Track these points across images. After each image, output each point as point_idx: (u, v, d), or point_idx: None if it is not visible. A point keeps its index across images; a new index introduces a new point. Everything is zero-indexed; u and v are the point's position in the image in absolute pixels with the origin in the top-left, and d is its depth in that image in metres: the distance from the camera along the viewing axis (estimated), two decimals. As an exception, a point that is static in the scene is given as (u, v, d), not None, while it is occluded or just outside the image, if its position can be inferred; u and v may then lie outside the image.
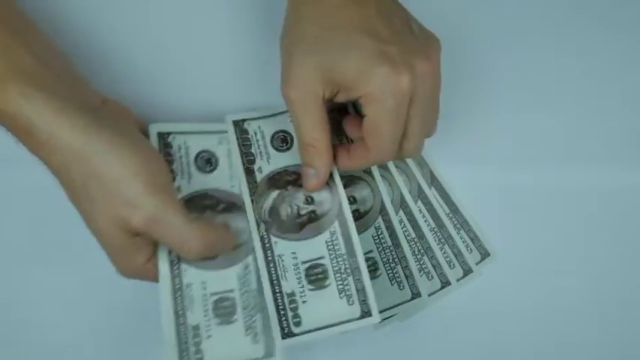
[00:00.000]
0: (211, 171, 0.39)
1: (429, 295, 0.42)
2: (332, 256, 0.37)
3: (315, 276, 0.37)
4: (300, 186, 0.39)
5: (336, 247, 0.38)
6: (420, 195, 0.44)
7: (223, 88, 0.43)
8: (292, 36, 0.35)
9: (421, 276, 0.42)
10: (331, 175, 0.39)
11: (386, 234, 0.42)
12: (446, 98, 0.44)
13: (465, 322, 0.43)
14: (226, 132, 0.40)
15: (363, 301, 0.36)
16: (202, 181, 0.38)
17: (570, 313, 0.43)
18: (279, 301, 0.36)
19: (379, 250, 0.42)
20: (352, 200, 0.41)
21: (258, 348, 0.35)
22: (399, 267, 0.42)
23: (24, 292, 0.42)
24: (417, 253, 0.42)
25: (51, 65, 0.33)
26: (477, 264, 0.43)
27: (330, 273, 0.37)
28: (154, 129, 0.38)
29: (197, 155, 0.39)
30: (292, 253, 0.37)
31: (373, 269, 0.40)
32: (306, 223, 0.38)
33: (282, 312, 0.36)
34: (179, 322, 0.35)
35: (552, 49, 0.46)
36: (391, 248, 0.42)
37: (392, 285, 0.42)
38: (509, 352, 0.42)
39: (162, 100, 0.42)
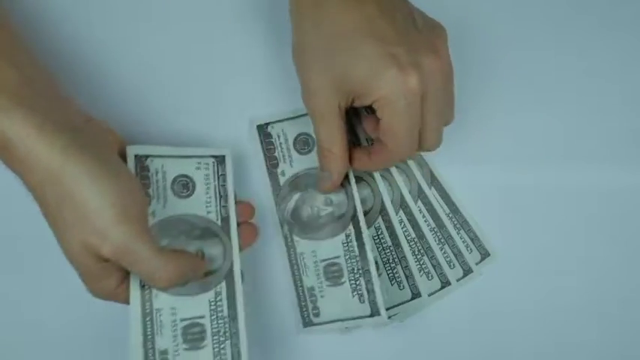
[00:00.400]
0: (188, 196, 0.38)
1: (429, 295, 0.42)
2: (347, 256, 0.40)
3: (332, 273, 0.40)
4: None
5: (351, 247, 0.40)
6: (420, 195, 0.44)
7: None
8: (301, 51, 0.36)
9: (421, 276, 0.42)
10: (348, 179, 0.41)
11: (386, 234, 0.42)
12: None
13: (465, 322, 0.43)
14: (205, 156, 0.39)
15: (373, 301, 0.39)
16: (178, 206, 0.38)
17: (570, 313, 0.43)
18: (301, 294, 0.40)
19: (379, 250, 0.42)
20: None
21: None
22: (399, 267, 0.42)
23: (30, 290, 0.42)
24: (417, 253, 0.43)
25: (35, 82, 0.33)
26: (477, 264, 0.43)
27: (345, 272, 0.40)
28: (132, 151, 0.37)
29: (174, 179, 0.38)
30: (312, 251, 0.40)
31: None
32: (326, 224, 0.41)
33: (303, 304, 0.40)
34: (147, 347, 0.35)
35: (552, 48, 0.46)
36: (391, 248, 0.42)
37: (392, 285, 0.42)
38: (509, 352, 0.42)
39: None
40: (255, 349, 0.40)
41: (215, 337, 0.36)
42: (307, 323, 0.40)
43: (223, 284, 0.37)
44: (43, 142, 0.31)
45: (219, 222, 0.38)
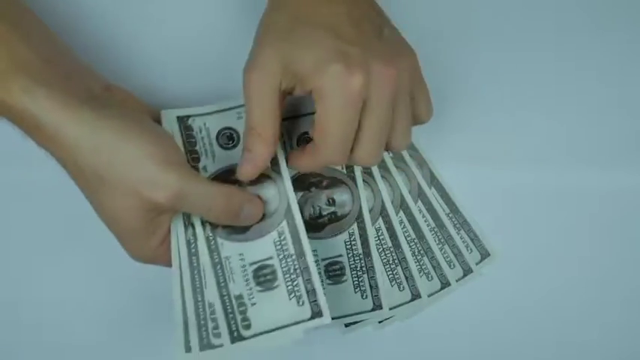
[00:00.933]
0: (234, 146, 0.39)
1: (429, 296, 0.42)
2: (349, 255, 0.40)
3: (334, 272, 0.40)
4: (325, 188, 0.41)
5: (354, 247, 0.40)
6: (420, 195, 0.44)
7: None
8: (265, 24, 0.36)
9: (421, 277, 0.42)
10: (355, 181, 0.41)
11: (386, 235, 0.42)
12: (446, 98, 0.45)
13: (465, 322, 0.43)
14: (243, 106, 0.38)
15: (376, 296, 0.39)
16: (226, 158, 0.39)
17: (570, 313, 0.43)
18: (308, 291, 0.38)
19: (380, 251, 0.42)
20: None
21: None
22: (399, 268, 0.42)
23: (32, 289, 0.42)
24: (416, 254, 0.42)
25: (53, 59, 0.34)
26: (477, 264, 0.43)
27: (347, 269, 0.40)
28: (172, 114, 0.39)
29: (218, 133, 0.39)
30: (313, 251, 0.39)
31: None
32: (327, 224, 0.40)
33: (312, 302, 0.37)
34: (222, 294, 0.36)
35: (553, 49, 0.46)
36: (391, 249, 0.42)
37: (392, 286, 0.42)
38: (510, 352, 0.43)
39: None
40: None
41: (287, 276, 0.36)
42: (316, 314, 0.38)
43: (284, 223, 0.37)
44: (71, 118, 0.32)
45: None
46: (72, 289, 0.42)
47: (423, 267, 0.42)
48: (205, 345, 0.35)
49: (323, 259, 0.40)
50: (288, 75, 0.34)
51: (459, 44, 0.45)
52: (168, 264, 0.36)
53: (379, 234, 0.42)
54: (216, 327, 0.36)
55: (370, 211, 0.42)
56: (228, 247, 0.37)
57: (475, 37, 0.45)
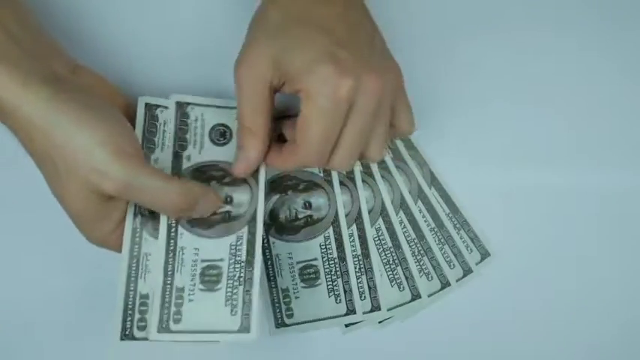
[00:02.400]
0: (224, 144, 0.40)
1: (429, 296, 0.42)
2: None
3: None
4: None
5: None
6: (420, 195, 0.44)
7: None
8: (258, 20, 0.35)
9: (421, 277, 0.42)
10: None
11: (386, 235, 0.42)
12: (446, 97, 0.45)
13: (465, 322, 0.43)
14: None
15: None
16: (213, 153, 0.39)
17: (570, 313, 0.43)
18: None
19: (380, 251, 0.42)
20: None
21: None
22: (399, 268, 0.42)
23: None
24: (417, 254, 0.43)
25: (17, 35, 0.33)
26: (477, 264, 0.43)
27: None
28: (174, 99, 0.39)
29: (212, 127, 0.40)
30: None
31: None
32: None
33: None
34: (166, 282, 0.36)
35: (554, 48, 0.46)
36: (391, 250, 0.42)
37: (392, 286, 0.42)
38: (510, 352, 0.43)
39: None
40: (239, 349, 0.41)
41: (230, 282, 0.36)
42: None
43: (245, 229, 0.37)
44: (28, 97, 0.31)
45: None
46: (28, 270, 0.42)
47: (423, 267, 0.42)
48: (127, 335, 0.36)
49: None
50: (278, 73, 0.34)
51: (461, 43, 0.45)
52: (119, 250, 0.36)
53: (379, 234, 0.42)
54: (141, 320, 0.36)
55: (370, 211, 0.42)
56: (187, 239, 0.37)
57: (476, 36, 0.45)
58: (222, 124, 0.40)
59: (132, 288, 0.36)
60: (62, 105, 0.32)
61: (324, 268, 0.40)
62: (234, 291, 0.36)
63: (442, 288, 0.42)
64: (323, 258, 0.40)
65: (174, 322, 0.36)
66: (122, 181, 0.32)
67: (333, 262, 0.41)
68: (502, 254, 0.43)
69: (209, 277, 0.36)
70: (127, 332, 0.36)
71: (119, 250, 0.36)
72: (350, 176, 0.43)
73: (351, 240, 0.42)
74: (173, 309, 0.36)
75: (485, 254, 0.43)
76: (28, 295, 0.41)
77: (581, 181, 0.44)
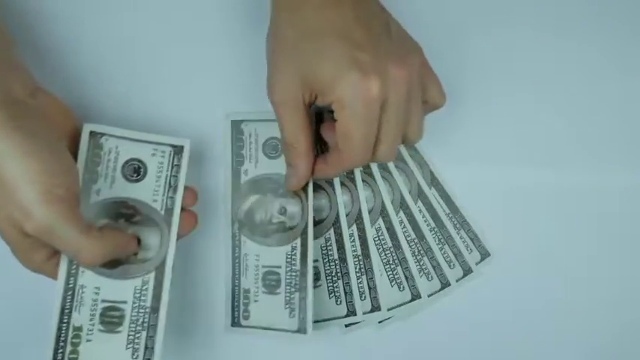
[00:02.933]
0: (137, 180, 0.38)
1: (429, 296, 0.42)
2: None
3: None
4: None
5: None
6: (420, 195, 0.44)
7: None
8: (274, 41, 0.36)
9: (421, 277, 0.42)
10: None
11: (386, 235, 0.42)
12: (446, 97, 0.45)
13: (465, 322, 0.43)
14: (163, 144, 0.39)
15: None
16: (125, 189, 0.38)
17: (570, 313, 0.43)
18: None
19: (380, 251, 0.42)
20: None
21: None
22: (399, 268, 0.42)
23: None
24: (417, 254, 0.43)
25: None
26: (476, 264, 0.43)
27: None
28: (88, 128, 0.37)
29: (126, 162, 0.38)
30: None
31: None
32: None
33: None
34: (62, 320, 0.35)
35: (554, 48, 0.46)
36: (391, 250, 0.42)
37: (392, 286, 0.42)
38: (509, 352, 0.43)
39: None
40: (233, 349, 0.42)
41: (132, 325, 0.36)
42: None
43: (152, 275, 0.37)
44: None
45: (162, 212, 0.38)
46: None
47: (423, 267, 0.42)
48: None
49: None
50: (308, 88, 0.35)
51: (461, 43, 0.45)
52: (56, 278, 0.36)
53: (379, 234, 0.42)
54: (73, 352, 0.35)
55: (370, 211, 0.42)
56: (88, 277, 0.36)
57: (476, 36, 0.45)
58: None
59: (65, 320, 0.35)
60: (11, 130, 0.31)
61: (286, 279, 0.40)
62: (137, 336, 0.36)
63: (442, 288, 0.42)
64: (286, 268, 0.40)
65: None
66: (44, 225, 0.32)
67: (333, 263, 0.41)
68: (502, 254, 0.43)
69: (109, 319, 0.36)
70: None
71: (55, 276, 0.36)
72: (350, 176, 0.43)
73: (351, 240, 0.42)
74: (69, 348, 0.35)
75: (485, 254, 0.43)
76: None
77: (581, 181, 0.44)
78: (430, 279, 0.42)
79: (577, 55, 0.46)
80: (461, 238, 0.43)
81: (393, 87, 0.34)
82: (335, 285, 0.41)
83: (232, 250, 0.41)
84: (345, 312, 0.41)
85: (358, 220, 0.42)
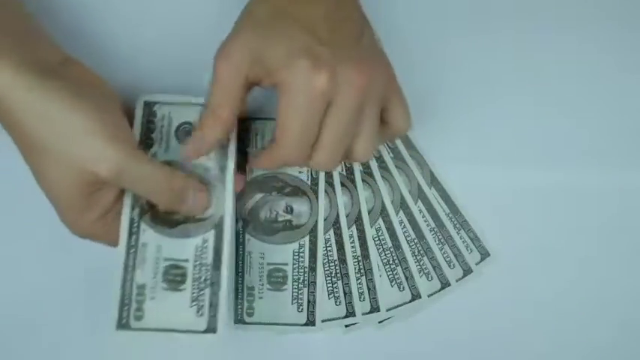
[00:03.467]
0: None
1: (429, 296, 0.42)
2: (295, 265, 0.41)
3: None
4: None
5: (301, 258, 0.41)
6: (420, 195, 0.44)
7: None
8: (245, 14, 0.36)
9: (421, 277, 0.42)
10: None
11: (386, 235, 0.42)
12: (446, 97, 0.45)
13: (465, 322, 0.43)
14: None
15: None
16: (180, 152, 0.38)
17: (570, 313, 0.43)
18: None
19: (380, 251, 0.42)
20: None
21: (201, 321, 0.36)
22: (399, 268, 0.42)
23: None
24: (417, 254, 0.43)
25: (6, 23, 0.34)
26: (477, 264, 0.43)
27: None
28: (142, 98, 0.39)
29: (179, 126, 0.39)
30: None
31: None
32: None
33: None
34: (126, 278, 0.36)
35: (554, 48, 0.46)
36: (391, 250, 0.42)
37: (392, 286, 0.42)
38: (510, 352, 0.43)
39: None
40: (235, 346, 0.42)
41: (195, 283, 0.36)
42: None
43: (212, 233, 0.37)
44: (19, 82, 0.31)
45: (308, 181, 0.41)
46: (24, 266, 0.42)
47: (423, 267, 0.43)
48: (123, 325, 0.36)
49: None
50: (256, 66, 0.34)
51: (461, 43, 0.45)
52: (105, 241, 0.36)
53: (379, 234, 0.42)
54: (138, 309, 0.36)
55: (370, 211, 0.42)
56: (150, 235, 0.37)
57: (476, 36, 0.45)
58: (188, 123, 0.39)
59: (128, 278, 0.36)
60: (54, 93, 0.32)
61: (293, 275, 0.41)
62: (201, 292, 0.36)
63: (442, 288, 0.42)
64: (294, 265, 0.41)
65: (135, 319, 0.36)
66: (116, 165, 0.32)
67: (333, 264, 0.42)
68: (502, 254, 0.43)
69: (172, 277, 0.36)
70: (123, 322, 0.35)
71: (105, 241, 0.36)
72: (350, 177, 0.43)
73: (350, 241, 0.42)
74: (134, 306, 0.36)
75: (485, 254, 0.43)
76: (24, 290, 0.42)
77: (581, 181, 0.44)
78: (430, 279, 0.42)
79: (578, 54, 0.46)
80: (461, 238, 0.43)
81: (343, 89, 0.33)
82: (334, 286, 0.41)
83: (236, 248, 0.41)
84: (344, 313, 0.41)
85: (358, 220, 0.42)
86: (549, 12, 0.46)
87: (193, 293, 0.36)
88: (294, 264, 0.41)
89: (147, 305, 0.36)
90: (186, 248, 0.37)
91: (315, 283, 0.41)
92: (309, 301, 0.40)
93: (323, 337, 0.42)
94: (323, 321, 0.41)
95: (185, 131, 0.39)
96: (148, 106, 0.39)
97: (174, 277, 0.36)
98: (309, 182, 0.42)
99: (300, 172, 0.42)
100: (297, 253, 0.41)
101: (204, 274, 0.37)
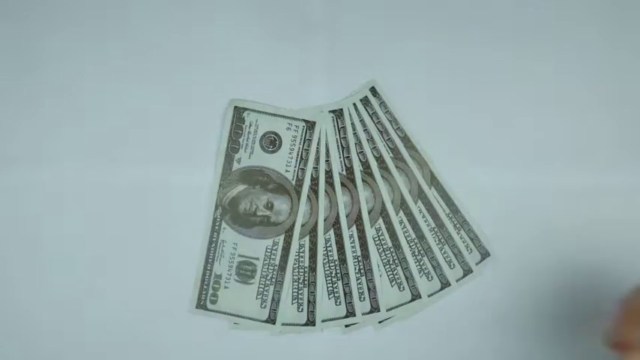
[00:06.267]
0: (273, 152, 0.42)
1: (429, 296, 0.42)
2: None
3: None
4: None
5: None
6: (420, 195, 0.44)
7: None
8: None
9: (421, 277, 0.42)
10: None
11: (386, 235, 0.42)
12: (446, 97, 0.45)
13: (465, 322, 0.43)
14: (296, 119, 0.42)
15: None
16: (262, 159, 0.42)
17: (570, 313, 0.43)
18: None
19: (380, 251, 0.42)
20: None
21: (264, 312, 0.42)
22: (399, 268, 0.42)
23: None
24: (417, 254, 0.43)
25: None
26: (477, 264, 0.43)
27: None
28: (233, 103, 0.42)
29: (264, 135, 0.42)
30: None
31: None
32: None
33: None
34: (206, 268, 0.42)
35: (554, 48, 0.46)
36: (392, 250, 0.42)
37: (392, 286, 0.42)
38: (510, 352, 0.43)
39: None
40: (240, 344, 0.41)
41: (262, 280, 0.42)
42: (201, 306, 0.42)
43: (282, 237, 0.42)
44: None
45: (293, 181, 0.42)
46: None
47: (423, 267, 0.43)
48: (201, 305, 0.42)
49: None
50: None
51: (461, 43, 0.45)
52: None
53: (379, 234, 0.42)
54: (214, 295, 0.42)
55: (370, 211, 0.42)
56: (228, 233, 0.42)
57: (476, 36, 0.45)
58: (273, 132, 0.43)
59: (208, 268, 0.42)
60: None
61: (262, 271, 0.42)
62: (265, 289, 0.42)
63: (442, 288, 0.42)
64: (264, 261, 0.42)
65: (210, 302, 0.42)
66: None
67: (333, 264, 0.42)
68: (502, 254, 0.43)
69: (244, 271, 0.42)
70: (201, 303, 0.41)
71: None
72: (350, 177, 0.43)
73: (351, 241, 0.42)
74: (211, 291, 0.42)
75: (485, 254, 0.43)
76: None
77: (581, 181, 0.44)
78: (430, 279, 0.42)
79: (577, 54, 0.46)
80: (461, 238, 0.43)
81: None
82: (334, 286, 0.42)
83: (210, 234, 0.42)
84: (344, 313, 0.41)
85: (358, 220, 0.42)
86: (548, 15, 0.46)
87: (260, 288, 0.42)
88: (264, 260, 0.42)
89: (221, 292, 0.42)
90: (258, 248, 0.42)
91: (347, 274, 0.41)
92: (273, 299, 0.41)
93: (323, 337, 0.42)
94: (323, 321, 0.41)
95: (269, 140, 0.42)
96: (238, 111, 0.42)
97: (245, 271, 0.42)
98: (293, 182, 0.42)
99: (286, 171, 0.42)
100: (269, 250, 0.42)
101: (271, 273, 0.42)
